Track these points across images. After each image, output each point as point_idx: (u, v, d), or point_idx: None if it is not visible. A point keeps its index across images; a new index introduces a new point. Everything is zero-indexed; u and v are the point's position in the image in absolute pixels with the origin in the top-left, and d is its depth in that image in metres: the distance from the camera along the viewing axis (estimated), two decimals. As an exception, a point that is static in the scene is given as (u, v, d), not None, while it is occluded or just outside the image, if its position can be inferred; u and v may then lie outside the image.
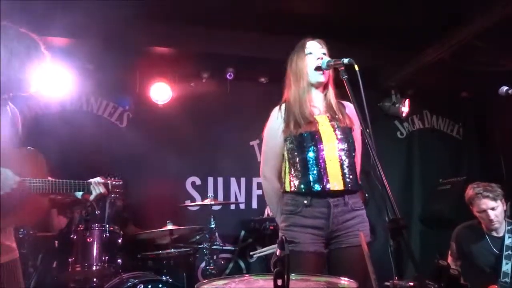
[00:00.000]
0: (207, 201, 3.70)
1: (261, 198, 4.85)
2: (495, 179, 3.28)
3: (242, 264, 4.76)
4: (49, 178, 2.04)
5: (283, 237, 1.18)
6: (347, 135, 2.21)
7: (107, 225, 3.31)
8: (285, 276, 1.10)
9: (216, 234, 3.66)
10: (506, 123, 5.08)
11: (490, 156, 5.52)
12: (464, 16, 3.91)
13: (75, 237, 3.20)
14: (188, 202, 4.59)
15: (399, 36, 4.22)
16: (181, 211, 4.44)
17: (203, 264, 3.80)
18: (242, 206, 4.87)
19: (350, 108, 2.30)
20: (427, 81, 5.13)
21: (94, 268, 3.16)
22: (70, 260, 3.15)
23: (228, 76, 4.68)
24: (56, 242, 3.48)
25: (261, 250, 3.76)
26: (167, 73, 4.63)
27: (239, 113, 4.80)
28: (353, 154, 2.22)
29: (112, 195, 2.45)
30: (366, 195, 4.01)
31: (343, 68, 2.00)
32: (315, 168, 2.13)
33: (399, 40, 4.35)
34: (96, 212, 3.54)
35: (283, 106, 2.31)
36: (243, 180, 4.92)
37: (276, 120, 2.29)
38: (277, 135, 2.26)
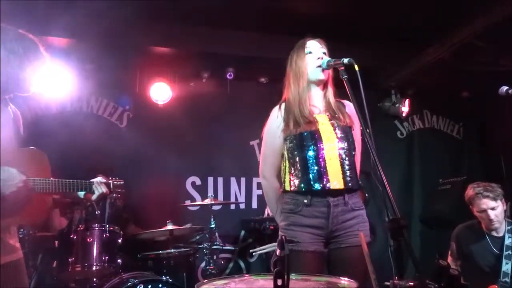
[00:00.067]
0: (207, 201, 3.71)
1: (261, 198, 4.84)
2: (495, 179, 3.28)
3: (242, 264, 4.76)
4: (51, 178, 2.05)
5: (283, 236, 1.18)
6: (347, 134, 2.21)
7: (107, 225, 3.31)
8: (285, 276, 1.10)
9: (216, 234, 3.66)
10: (506, 123, 5.08)
11: (490, 156, 5.52)
12: (464, 16, 3.91)
13: (75, 237, 3.20)
14: (188, 202, 4.59)
15: (399, 36, 4.22)
16: (181, 211, 4.44)
17: (203, 264, 3.79)
18: (242, 206, 4.87)
19: (350, 107, 2.30)
20: (427, 81, 5.13)
21: (94, 268, 3.16)
22: (70, 260, 3.15)
23: (228, 76, 4.68)
24: (56, 242, 3.48)
25: (261, 248, 3.76)
26: (167, 73, 4.63)
27: (239, 113, 4.80)
28: (353, 153, 2.22)
29: (114, 195, 2.46)
30: (366, 195, 4.02)
31: (343, 68, 2.00)
32: (315, 167, 2.13)
33: (399, 40, 4.35)
34: (96, 212, 3.54)
35: (283, 105, 2.31)
36: (243, 180, 4.92)
37: (276, 120, 2.29)
38: (276, 135, 2.26)
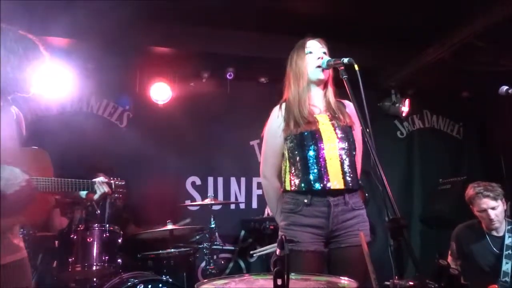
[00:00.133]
0: (207, 201, 3.71)
1: (261, 198, 4.85)
2: (495, 179, 3.28)
3: (242, 264, 4.76)
4: (54, 178, 2.06)
5: (283, 236, 1.18)
6: (347, 134, 2.22)
7: (107, 225, 3.31)
8: (285, 276, 1.10)
9: (216, 234, 3.67)
10: (506, 123, 5.08)
11: (490, 156, 5.53)
12: (464, 16, 3.91)
13: (75, 237, 3.20)
14: (188, 202, 4.59)
15: (399, 36, 4.22)
16: (181, 211, 4.44)
17: (203, 264, 3.79)
18: (242, 206, 4.87)
19: (350, 107, 2.30)
20: (427, 81, 5.13)
21: (94, 268, 3.16)
22: (70, 260, 3.15)
23: (228, 76, 4.68)
24: (56, 242, 3.48)
25: (261, 249, 3.76)
26: (167, 73, 4.63)
27: (239, 113, 4.81)
28: (354, 153, 2.22)
29: (115, 195, 2.46)
30: (366, 194, 4.01)
31: (343, 67, 2.01)
32: (316, 167, 2.13)
33: (399, 40, 4.35)
34: (97, 212, 3.55)
35: (283, 105, 2.31)
36: (243, 180, 4.92)
37: (276, 119, 2.29)
38: (277, 134, 2.26)
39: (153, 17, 3.91)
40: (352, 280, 1.41)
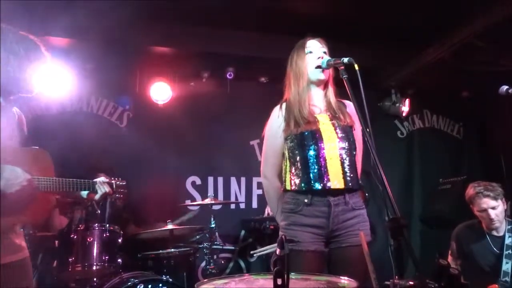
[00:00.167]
0: (207, 201, 3.71)
1: (261, 198, 4.85)
2: (495, 179, 3.28)
3: (242, 263, 4.76)
4: (55, 177, 2.07)
5: (283, 236, 1.19)
6: (347, 134, 2.22)
7: (107, 225, 3.31)
8: (285, 275, 1.10)
9: (216, 233, 3.67)
10: (506, 122, 5.08)
11: (490, 156, 5.53)
12: (464, 16, 3.91)
13: (75, 236, 3.20)
14: (188, 202, 4.59)
15: (399, 36, 4.22)
16: (181, 211, 4.44)
17: (203, 264, 3.80)
18: (242, 206, 4.87)
19: (350, 107, 2.30)
20: (427, 81, 5.13)
21: (94, 267, 3.16)
22: (70, 259, 3.15)
23: (228, 76, 4.68)
24: (56, 241, 3.48)
25: (261, 249, 3.76)
26: (167, 73, 4.63)
27: (239, 112, 4.81)
28: (354, 153, 2.22)
29: (116, 195, 2.47)
30: (367, 194, 4.01)
31: (343, 67, 2.00)
32: (316, 167, 2.14)
33: (399, 40, 4.35)
34: (97, 212, 3.55)
35: (283, 105, 2.31)
36: (243, 179, 4.92)
37: (276, 119, 2.29)
38: (277, 134, 2.26)
39: (153, 17, 3.90)
40: (352, 279, 1.41)
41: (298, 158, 2.18)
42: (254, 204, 4.93)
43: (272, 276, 1.10)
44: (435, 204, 5.13)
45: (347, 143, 2.19)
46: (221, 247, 3.89)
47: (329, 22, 3.62)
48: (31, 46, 1.96)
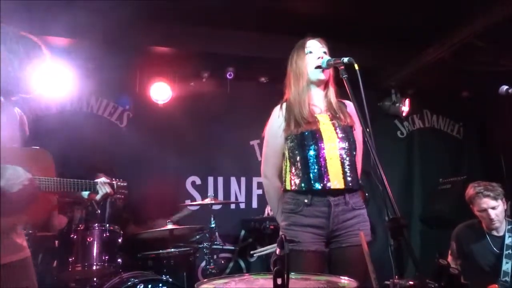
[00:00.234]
0: (207, 201, 3.71)
1: (261, 198, 4.85)
2: (495, 179, 3.28)
3: (242, 263, 4.77)
4: (56, 177, 2.07)
5: (283, 236, 1.18)
6: (348, 134, 2.22)
7: (107, 225, 3.31)
8: (285, 275, 1.10)
9: (216, 233, 3.67)
10: (506, 122, 5.08)
11: (490, 156, 5.53)
12: (464, 16, 3.91)
13: (75, 236, 3.20)
14: (188, 202, 4.59)
15: (399, 36, 4.22)
16: (181, 210, 4.44)
17: (203, 264, 3.80)
18: (242, 206, 4.87)
19: (351, 107, 2.30)
20: (427, 81, 5.13)
21: (94, 267, 3.16)
22: (70, 259, 3.15)
23: (228, 76, 4.68)
24: (56, 241, 3.48)
25: (261, 249, 3.76)
26: (167, 73, 4.63)
27: (239, 112, 4.80)
28: (354, 153, 2.22)
29: (117, 196, 2.48)
30: (367, 194, 4.01)
31: (343, 67, 2.00)
32: (316, 167, 2.13)
33: (399, 40, 4.35)
34: (97, 212, 3.55)
35: (284, 105, 2.31)
36: (243, 179, 4.92)
37: (277, 119, 2.29)
38: (278, 134, 2.26)
39: (153, 17, 3.90)
40: (352, 279, 1.41)
41: (298, 158, 2.18)
42: (254, 204, 4.93)
43: (272, 276, 1.10)
44: (435, 204, 5.13)
45: (347, 143, 2.19)
46: (221, 247, 3.89)
47: (329, 22, 3.62)
48: (31, 45, 1.96)
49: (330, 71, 2.29)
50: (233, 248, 4.66)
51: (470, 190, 3.14)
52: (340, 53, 2.13)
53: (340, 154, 2.16)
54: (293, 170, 2.20)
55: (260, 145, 4.76)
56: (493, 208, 3.03)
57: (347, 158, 2.16)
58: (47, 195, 2.04)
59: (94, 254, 3.18)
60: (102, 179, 2.29)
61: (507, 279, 2.99)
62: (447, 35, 4.20)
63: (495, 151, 5.37)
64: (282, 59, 2.41)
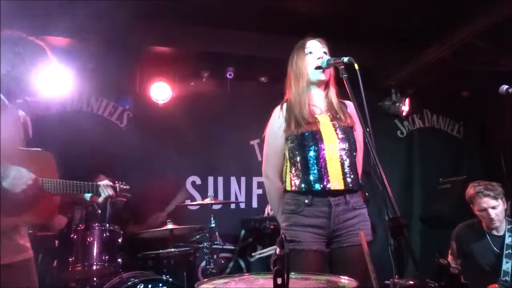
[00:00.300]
0: (207, 201, 3.71)
1: (261, 198, 4.85)
2: (495, 178, 3.28)
3: (242, 263, 4.76)
4: (58, 179, 2.08)
5: (283, 236, 1.19)
6: (348, 135, 2.21)
7: (107, 225, 3.31)
8: (285, 275, 1.10)
9: (216, 233, 3.67)
10: (506, 122, 5.08)
11: (491, 155, 5.53)
12: (464, 16, 3.91)
13: (75, 236, 3.20)
14: (188, 202, 4.59)
15: (399, 36, 4.22)
16: (181, 211, 4.44)
17: (203, 264, 3.80)
18: (242, 206, 4.87)
19: (351, 107, 2.29)
20: (428, 81, 5.13)
21: (94, 267, 3.17)
22: (70, 259, 3.15)
23: (228, 76, 4.68)
24: (57, 241, 3.48)
25: (261, 251, 3.76)
26: (167, 73, 4.63)
27: (239, 112, 4.81)
28: (354, 153, 2.21)
29: (119, 199, 2.48)
30: (367, 194, 4.01)
31: (343, 67, 2.00)
32: (316, 168, 2.13)
33: (399, 40, 4.35)
34: (97, 212, 3.55)
35: (284, 105, 2.31)
36: (243, 179, 4.92)
37: (277, 120, 2.29)
38: (278, 135, 2.26)
39: (153, 17, 3.91)
40: (352, 279, 1.41)
41: (298, 159, 2.18)
42: (254, 204, 4.93)
43: (272, 276, 1.10)
44: (435, 204, 5.13)
45: (347, 144, 2.19)
46: (221, 246, 3.90)
47: (329, 22, 3.62)
48: (37, 50, 2.01)
49: (331, 72, 2.29)
50: (233, 248, 4.66)
51: (470, 190, 3.14)
52: (340, 53, 2.13)
53: (340, 155, 2.16)
54: (293, 171, 2.20)
55: (260, 145, 4.76)
56: (493, 207, 3.03)
57: (347, 159, 2.16)
58: (51, 196, 2.06)
59: (94, 254, 3.18)
60: (105, 182, 2.30)
61: (507, 278, 2.99)
62: (447, 35, 4.20)
63: (495, 151, 5.37)
64: (282, 59, 2.41)
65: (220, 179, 4.86)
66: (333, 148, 2.16)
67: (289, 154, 2.23)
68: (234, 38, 4.31)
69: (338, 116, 2.25)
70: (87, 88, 4.44)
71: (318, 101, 2.30)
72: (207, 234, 3.69)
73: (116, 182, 2.47)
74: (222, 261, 4.52)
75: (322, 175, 2.12)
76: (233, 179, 4.90)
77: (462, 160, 5.72)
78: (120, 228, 3.41)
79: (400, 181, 5.43)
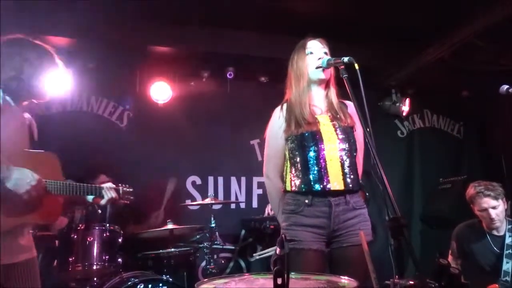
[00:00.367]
0: (207, 201, 3.71)
1: (261, 197, 4.85)
2: (495, 178, 3.28)
3: (242, 263, 4.76)
4: (62, 181, 2.10)
5: (283, 235, 1.19)
6: (348, 135, 2.21)
7: (108, 225, 3.31)
8: (285, 275, 1.10)
9: (217, 233, 3.67)
10: (507, 122, 5.08)
11: (491, 155, 5.53)
12: (464, 16, 3.91)
13: (75, 236, 3.20)
14: (188, 202, 4.59)
15: (399, 36, 4.22)
16: (182, 211, 4.44)
17: (203, 264, 3.80)
18: (242, 206, 4.87)
19: (351, 107, 2.29)
20: (428, 81, 5.13)
21: (94, 267, 3.16)
22: (70, 259, 3.15)
23: (228, 76, 4.68)
24: (57, 241, 3.48)
25: (262, 252, 3.76)
26: (167, 73, 4.62)
27: (239, 112, 4.80)
28: (354, 154, 2.21)
29: (122, 201, 2.49)
30: (367, 194, 4.01)
31: (343, 67, 2.00)
32: (316, 168, 2.13)
33: (399, 40, 4.35)
34: (98, 212, 3.55)
35: (284, 106, 2.31)
36: (243, 179, 4.92)
37: (277, 120, 2.29)
38: (278, 135, 2.26)
39: (153, 17, 3.91)
40: (352, 279, 1.41)
41: (298, 159, 2.18)
42: (254, 204, 4.93)
43: (272, 276, 1.10)
44: (435, 203, 5.13)
45: (347, 144, 2.19)
46: (221, 246, 3.89)
47: (329, 22, 3.62)
48: (44, 54, 2.08)
49: (331, 71, 2.29)
50: (233, 247, 4.66)
51: (471, 190, 3.14)
52: (340, 53, 2.14)
53: (340, 156, 2.16)
54: (293, 171, 2.20)
55: (260, 145, 4.76)
56: (494, 207, 3.03)
57: (347, 159, 2.16)
58: (55, 197, 2.07)
59: (95, 254, 3.18)
60: (109, 184, 2.32)
61: (508, 278, 2.99)
62: (447, 35, 4.19)
63: (495, 151, 5.37)
64: (282, 59, 2.41)
65: (220, 179, 4.86)
66: (333, 148, 2.16)
67: (289, 155, 2.23)
68: (234, 38, 4.31)
69: (338, 116, 2.25)
70: (87, 88, 4.43)
71: (319, 101, 2.30)
72: (207, 234, 3.69)
73: (120, 185, 2.48)
74: (222, 261, 4.52)
75: (322, 175, 2.12)
76: (233, 179, 4.90)
77: (462, 160, 5.72)
78: (120, 228, 3.41)
79: (400, 181, 5.43)
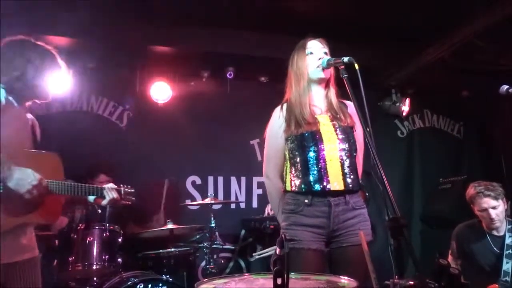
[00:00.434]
0: (207, 200, 3.71)
1: (261, 197, 4.85)
2: (495, 178, 3.28)
3: (242, 263, 4.76)
4: (64, 181, 2.11)
5: (283, 235, 1.19)
6: (348, 135, 2.21)
7: (108, 224, 3.31)
8: (285, 275, 1.10)
9: (217, 233, 3.67)
10: (507, 122, 5.08)
11: (491, 155, 5.53)
12: (464, 16, 3.91)
13: (75, 236, 3.20)
14: (188, 201, 4.59)
15: (399, 36, 4.22)
16: (182, 210, 4.44)
17: (203, 263, 3.80)
18: (242, 205, 4.87)
19: (351, 107, 2.29)
20: (428, 81, 5.13)
21: (94, 267, 3.16)
22: (70, 259, 3.15)
23: (228, 75, 4.68)
24: (57, 241, 3.48)
25: (262, 252, 3.76)
26: (167, 72, 4.62)
27: (239, 112, 4.80)
28: (354, 154, 2.21)
29: (123, 202, 2.50)
30: (367, 194, 4.01)
31: (343, 66, 2.00)
32: (316, 168, 2.13)
33: (399, 40, 4.35)
34: (98, 211, 3.55)
35: (284, 106, 2.31)
36: (243, 179, 4.92)
37: (277, 120, 2.29)
38: (278, 135, 2.26)
39: (153, 17, 3.90)
40: (352, 279, 1.41)
41: (298, 159, 2.18)
42: (254, 204, 4.93)
43: (272, 276, 1.10)
44: (435, 204, 5.13)
45: (347, 144, 2.19)
46: (221, 246, 3.89)
47: (329, 22, 3.62)
48: (47, 55, 2.10)
49: (331, 71, 2.29)
50: (233, 247, 4.66)
51: (471, 190, 3.14)
52: (340, 53, 2.14)
53: (340, 156, 2.16)
54: (293, 171, 2.20)
55: (260, 145, 4.76)
56: (494, 207, 3.03)
57: (347, 160, 2.16)
58: (57, 197, 2.08)
59: (94, 254, 3.18)
60: (110, 185, 2.33)
61: (508, 279, 2.99)
62: (447, 35, 4.19)
63: (495, 151, 5.37)
64: (282, 59, 2.41)
65: (220, 179, 4.86)
66: (333, 148, 2.16)
67: (289, 155, 2.24)
68: (234, 38, 4.30)
69: (338, 116, 2.25)
70: (87, 88, 4.43)
71: (319, 101, 2.30)
72: (207, 234, 3.69)
73: (121, 185, 2.48)
74: (222, 261, 4.52)
75: (322, 175, 2.12)
76: (233, 179, 4.90)
77: (462, 160, 5.72)
78: (120, 228, 3.41)
79: (400, 181, 5.43)
